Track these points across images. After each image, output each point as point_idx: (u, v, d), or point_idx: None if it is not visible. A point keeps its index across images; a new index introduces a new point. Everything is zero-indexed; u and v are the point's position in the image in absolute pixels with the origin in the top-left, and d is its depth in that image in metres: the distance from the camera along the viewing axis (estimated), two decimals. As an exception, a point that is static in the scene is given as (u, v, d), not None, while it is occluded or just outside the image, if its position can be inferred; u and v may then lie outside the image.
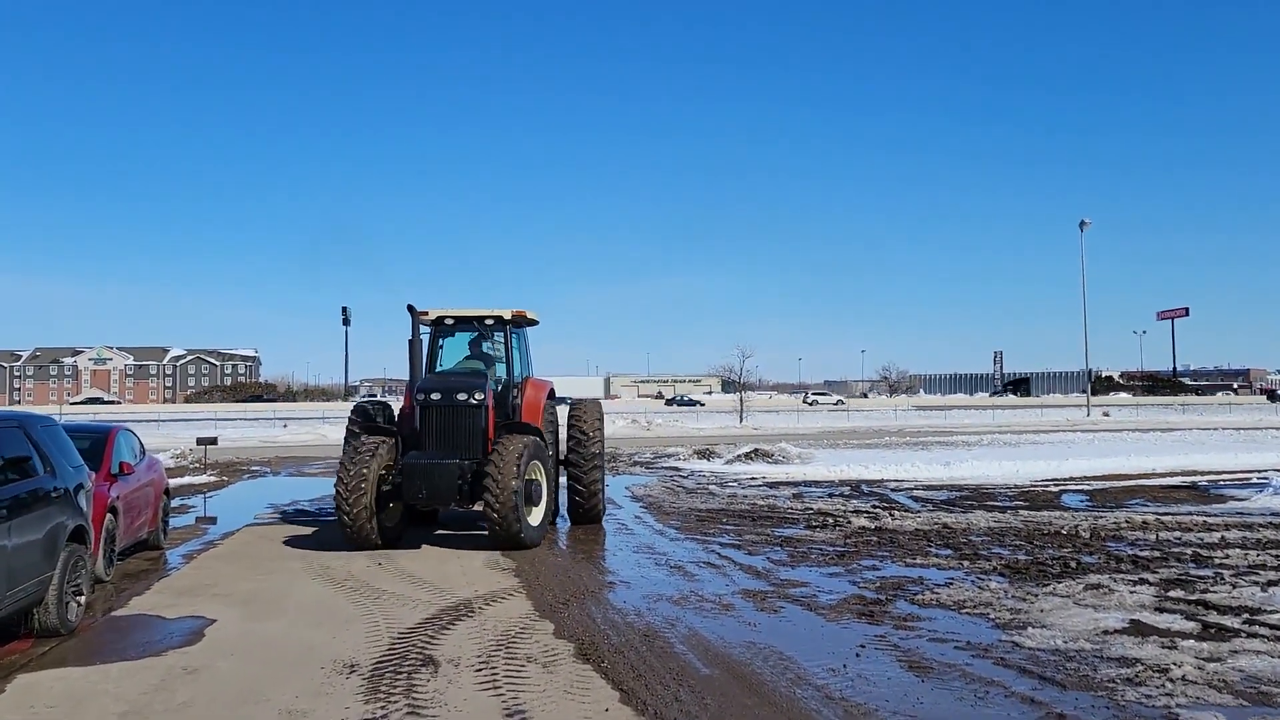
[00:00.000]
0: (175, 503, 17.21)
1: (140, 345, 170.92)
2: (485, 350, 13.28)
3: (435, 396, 11.67)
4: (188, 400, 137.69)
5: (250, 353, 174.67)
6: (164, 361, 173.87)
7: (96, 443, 10.40)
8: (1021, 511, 14.31)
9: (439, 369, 13.11)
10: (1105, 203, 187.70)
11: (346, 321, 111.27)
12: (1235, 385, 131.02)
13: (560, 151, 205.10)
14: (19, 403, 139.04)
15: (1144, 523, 12.78)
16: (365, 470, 11.03)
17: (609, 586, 9.26)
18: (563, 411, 13.82)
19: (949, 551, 10.87)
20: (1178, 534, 11.83)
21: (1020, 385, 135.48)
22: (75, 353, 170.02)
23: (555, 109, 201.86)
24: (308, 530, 13.36)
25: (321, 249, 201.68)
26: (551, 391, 13.47)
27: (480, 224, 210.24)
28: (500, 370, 13.04)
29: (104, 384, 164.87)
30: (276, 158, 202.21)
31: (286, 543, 12.15)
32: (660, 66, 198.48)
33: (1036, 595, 8.29)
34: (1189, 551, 10.47)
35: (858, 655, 6.58)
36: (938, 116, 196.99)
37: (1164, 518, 13.25)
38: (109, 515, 9.59)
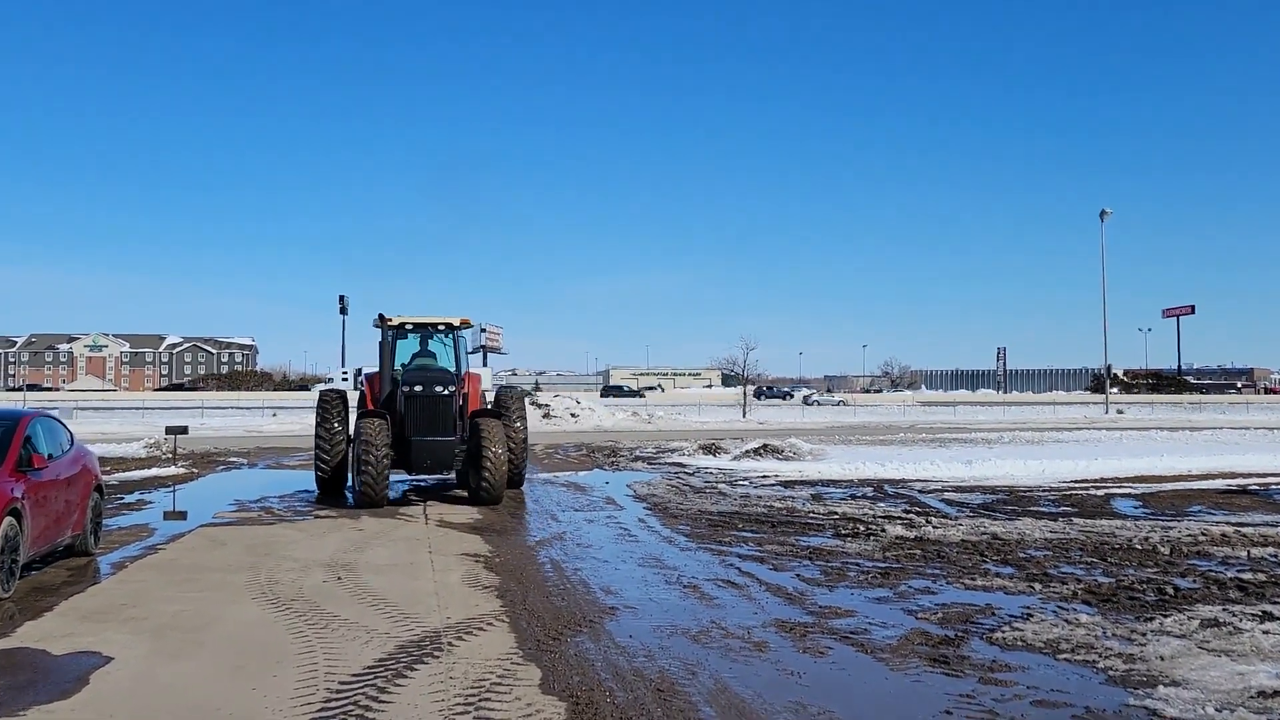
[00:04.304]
0: (133, 498, 15.65)
1: (136, 333, 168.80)
2: (429, 349, 16.12)
3: (419, 389, 14.40)
4: (177, 388, 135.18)
5: (247, 341, 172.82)
6: (160, 349, 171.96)
7: (3, 432, 8.75)
8: (1075, 520, 12.67)
9: (397, 365, 15.65)
10: (1111, 200, 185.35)
11: (344, 310, 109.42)
12: (1239, 384, 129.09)
13: (559, 145, 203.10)
14: (15, 389, 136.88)
15: (1224, 536, 11.14)
16: (382, 443, 13.48)
17: (610, 613, 7.59)
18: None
19: (1011, 570, 9.23)
20: (1271, 550, 10.19)
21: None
22: (71, 339, 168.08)
23: (557, 103, 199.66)
24: (269, 533, 11.73)
25: (319, 238, 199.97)
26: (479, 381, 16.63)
27: (479, 217, 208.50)
28: (445, 365, 15.88)
29: (99, 371, 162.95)
30: (274, 146, 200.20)
31: (239, 549, 10.51)
32: (662, 63, 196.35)
33: (1144, 635, 6.65)
34: (1299, 574, 8.83)
35: (945, 728, 4.95)
36: (941, 114, 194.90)
37: (1244, 530, 11.60)
38: (9, 519, 7.94)
